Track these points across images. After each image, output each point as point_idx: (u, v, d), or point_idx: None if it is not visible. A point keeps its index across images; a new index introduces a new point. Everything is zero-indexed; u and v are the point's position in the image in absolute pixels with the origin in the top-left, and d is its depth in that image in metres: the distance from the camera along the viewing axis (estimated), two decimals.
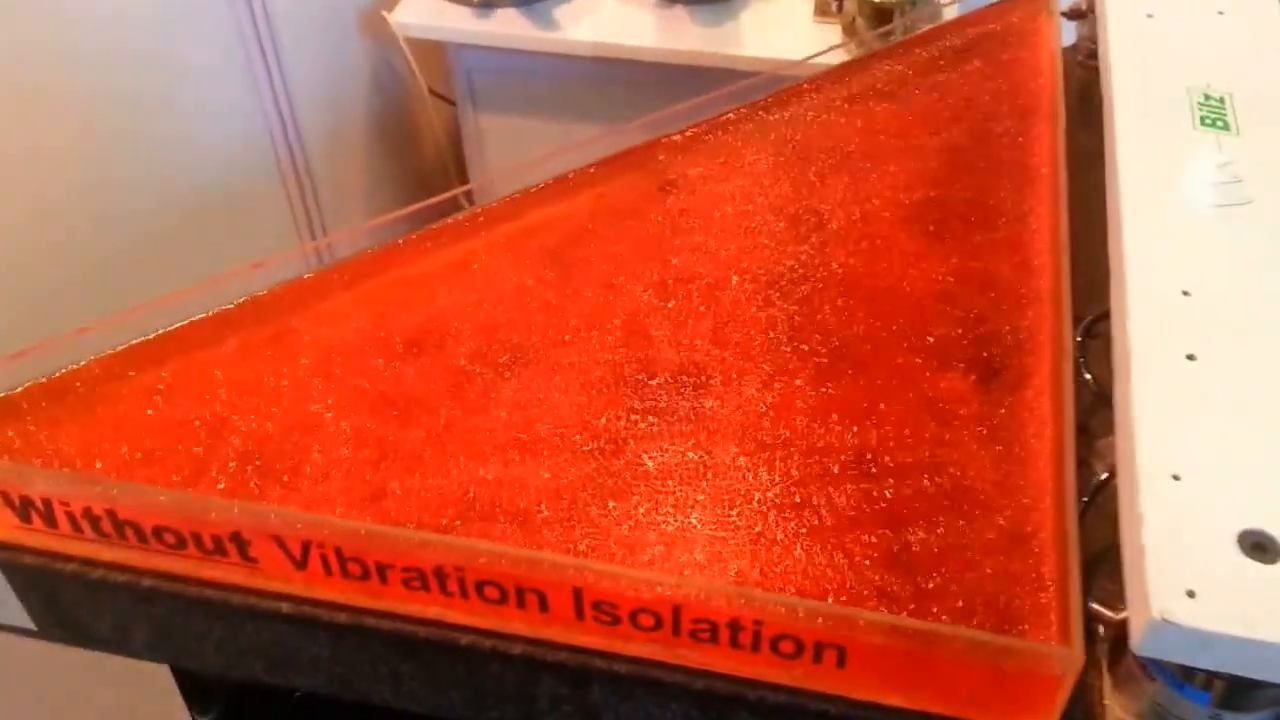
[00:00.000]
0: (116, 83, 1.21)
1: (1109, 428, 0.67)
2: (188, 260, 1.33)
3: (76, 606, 0.69)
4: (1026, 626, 0.58)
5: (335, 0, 1.56)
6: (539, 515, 0.66)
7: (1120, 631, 0.58)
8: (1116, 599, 0.60)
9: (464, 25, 1.54)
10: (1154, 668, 0.55)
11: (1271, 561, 0.51)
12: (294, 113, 1.45)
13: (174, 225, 1.32)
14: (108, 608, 0.69)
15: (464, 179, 1.77)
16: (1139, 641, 0.50)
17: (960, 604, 0.60)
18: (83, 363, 0.74)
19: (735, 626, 0.58)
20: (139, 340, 0.75)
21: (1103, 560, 0.61)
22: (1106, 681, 0.59)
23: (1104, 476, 0.64)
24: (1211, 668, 0.51)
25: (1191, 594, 0.50)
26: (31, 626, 0.72)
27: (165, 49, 1.26)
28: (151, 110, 1.26)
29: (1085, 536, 0.60)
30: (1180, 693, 0.54)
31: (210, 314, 0.77)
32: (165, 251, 1.30)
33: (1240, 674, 0.50)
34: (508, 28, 1.53)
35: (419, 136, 1.85)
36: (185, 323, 0.76)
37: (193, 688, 0.82)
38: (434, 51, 1.65)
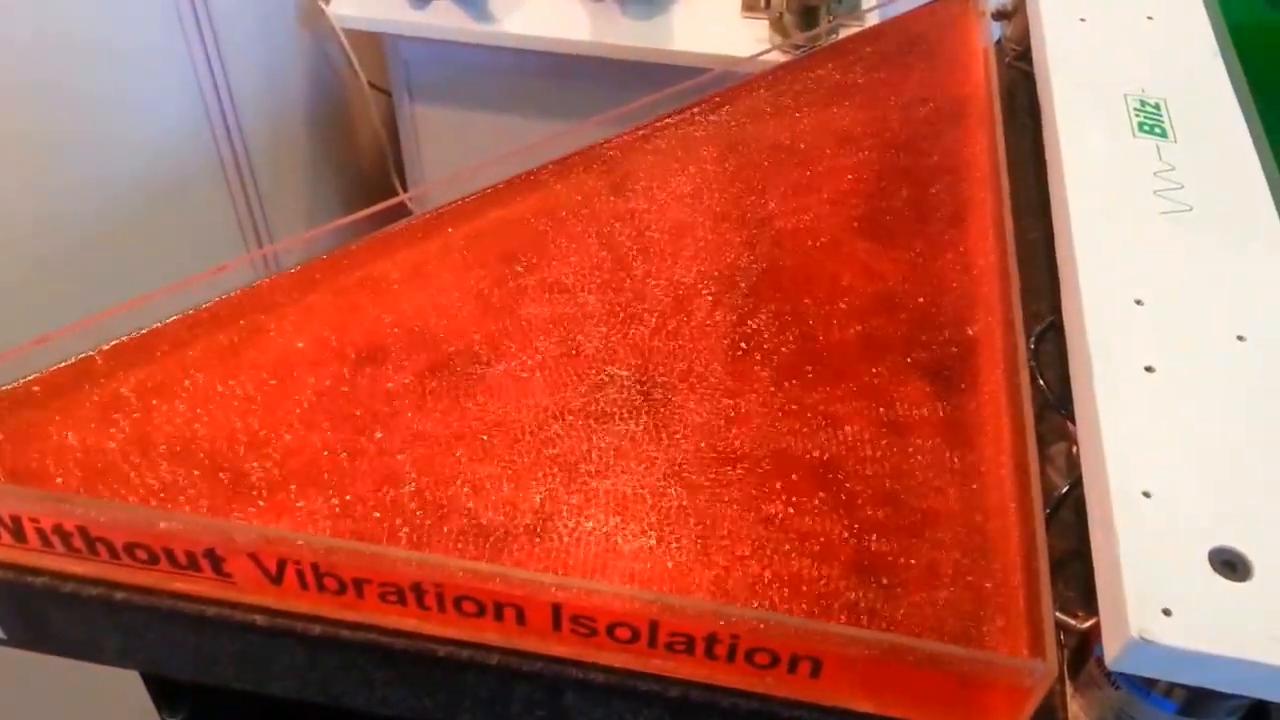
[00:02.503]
0: (52, 77, 1.13)
1: (1061, 434, 0.65)
2: (131, 254, 1.26)
3: (46, 617, 0.64)
4: (995, 637, 0.55)
5: None
6: (507, 527, 0.61)
7: (1082, 639, 0.56)
8: (1076, 606, 0.57)
9: (400, 16, 1.48)
10: (1118, 676, 0.53)
11: (1242, 579, 0.49)
12: (234, 104, 1.38)
13: (115, 219, 1.25)
14: (78, 619, 0.63)
15: (401, 170, 1.71)
16: (1115, 659, 0.47)
17: (929, 614, 0.57)
18: (42, 372, 0.68)
19: (712, 639, 0.54)
20: (99, 349, 0.69)
21: (1059, 567, 0.59)
22: (1067, 687, 0.56)
23: (1065, 490, 0.61)
24: (1186, 683, 0.48)
25: (1168, 612, 0.47)
26: (1, 635, 0.67)
27: (103, 42, 1.18)
28: (90, 104, 1.18)
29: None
30: (1144, 700, 0.52)
31: (168, 322, 0.71)
32: (107, 247, 1.23)
33: (1213, 689, 0.48)
34: (443, 19, 1.47)
35: (357, 127, 1.77)
36: (144, 331, 0.71)
37: (161, 689, 0.77)
38: (371, 43, 1.59)
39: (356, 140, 1.78)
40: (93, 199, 1.21)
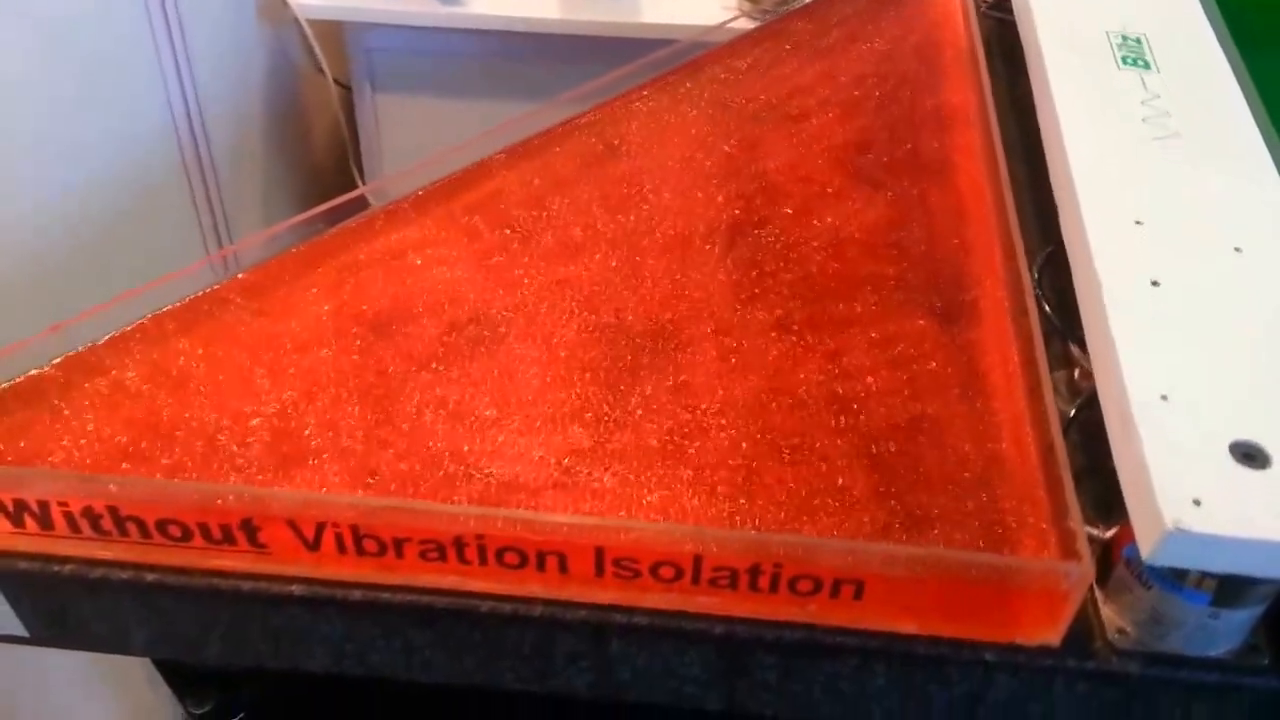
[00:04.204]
0: (22, 72, 1.15)
1: (1062, 362, 0.70)
2: (94, 251, 1.27)
3: (73, 608, 0.66)
4: (1025, 550, 0.59)
5: None
6: (534, 484, 0.64)
7: (1105, 549, 0.60)
8: (1097, 519, 0.61)
9: (364, 4, 1.51)
10: (1149, 574, 0.57)
11: (1262, 467, 0.53)
12: (199, 99, 1.40)
13: (79, 216, 1.26)
14: (107, 607, 0.65)
15: (360, 163, 1.74)
16: (1152, 553, 0.51)
17: (957, 536, 0.60)
18: (45, 365, 0.70)
19: (755, 570, 0.58)
20: (103, 339, 0.72)
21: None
22: (1097, 595, 0.60)
23: (1071, 414, 0.65)
24: (1220, 570, 0.52)
25: (1197, 503, 0.51)
26: (23, 633, 0.68)
27: (72, 39, 1.20)
28: (60, 102, 1.20)
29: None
30: (1178, 595, 0.56)
31: (170, 308, 0.74)
32: (71, 243, 1.24)
33: (1246, 574, 0.52)
34: (408, 5, 1.50)
35: (314, 121, 1.80)
36: (146, 318, 0.73)
37: (185, 681, 0.80)
38: (327, 36, 1.61)
39: (313, 134, 1.80)
40: (61, 196, 1.22)
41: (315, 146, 1.84)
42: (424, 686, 0.68)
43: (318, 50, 1.58)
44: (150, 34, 1.29)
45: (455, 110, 1.63)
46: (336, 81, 1.68)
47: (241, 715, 0.81)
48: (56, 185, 1.22)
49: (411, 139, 1.68)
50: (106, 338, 0.72)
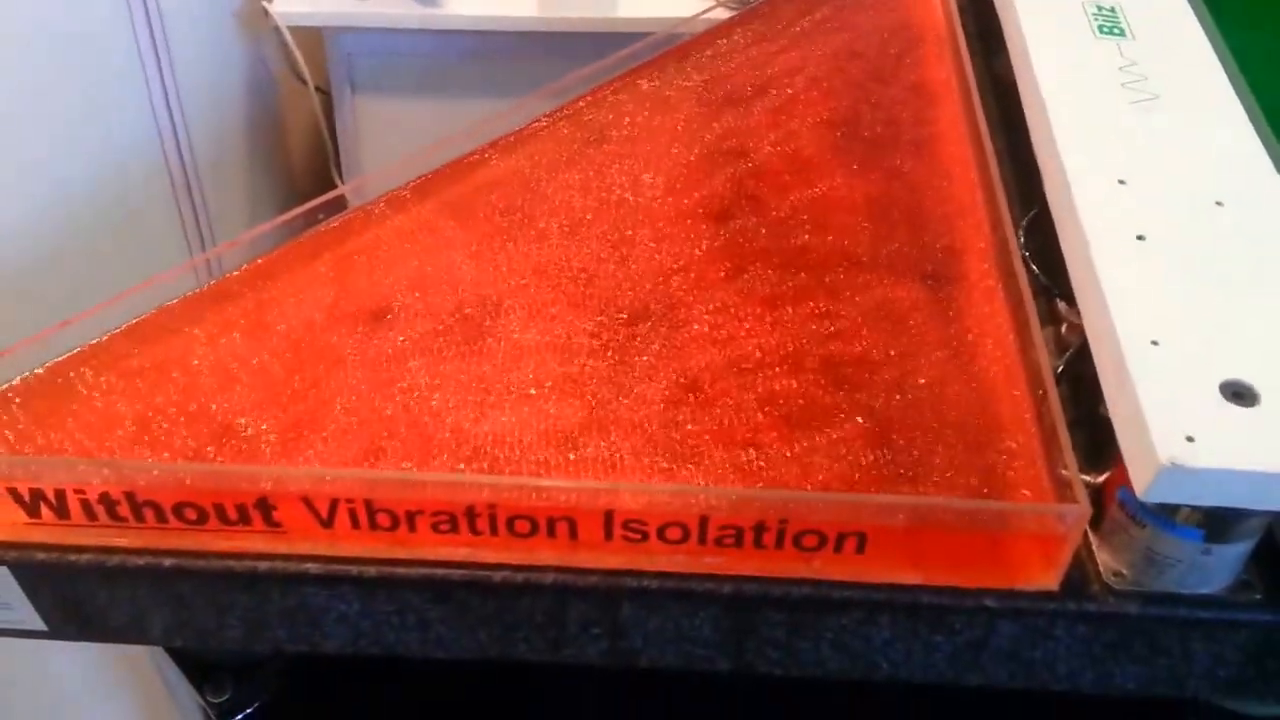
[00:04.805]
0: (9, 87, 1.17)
1: (1048, 318, 0.72)
2: (76, 260, 1.28)
3: (91, 598, 0.67)
4: (1024, 494, 0.61)
5: None
6: (539, 459, 0.66)
7: (1096, 494, 0.62)
8: (1087, 467, 0.63)
9: (345, 9, 1.53)
10: (1143, 514, 0.59)
11: (1251, 405, 0.55)
12: (182, 108, 1.42)
13: (62, 227, 1.27)
14: (125, 595, 0.67)
15: (340, 167, 1.76)
16: (1147, 489, 0.53)
17: (955, 488, 0.62)
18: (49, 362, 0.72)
19: (760, 528, 0.60)
20: (108, 334, 0.73)
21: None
22: (1092, 540, 0.62)
23: (1060, 369, 0.68)
24: (1212, 504, 0.55)
25: (1191, 439, 0.53)
26: (42, 627, 0.70)
27: (56, 49, 1.22)
28: (40, 110, 1.22)
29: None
30: (1172, 533, 0.58)
31: (178, 300, 0.75)
32: (54, 252, 1.26)
33: (1238, 506, 0.54)
34: (388, 8, 1.52)
35: (291, 127, 1.82)
36: (147, 314, 0.74)
37: (202, 671, 0.81)
38: (306, 42, 1.63)
39: (294, 141, 1.82)
40: (45, 204, 1.23)
41: (296, 153, 1.86)
42: (437, 674, 0.69)
43: (299, 57, 1.60)
44: (134, 45, 1.31)
45: (434, 111, 1.65)
46: (316, 87, 1.70)
47: (259, 704, 0.82)
48: (40, 193, 1.23)
49: (391, 141, 1.70)
50: (115, 329, 0.73)
